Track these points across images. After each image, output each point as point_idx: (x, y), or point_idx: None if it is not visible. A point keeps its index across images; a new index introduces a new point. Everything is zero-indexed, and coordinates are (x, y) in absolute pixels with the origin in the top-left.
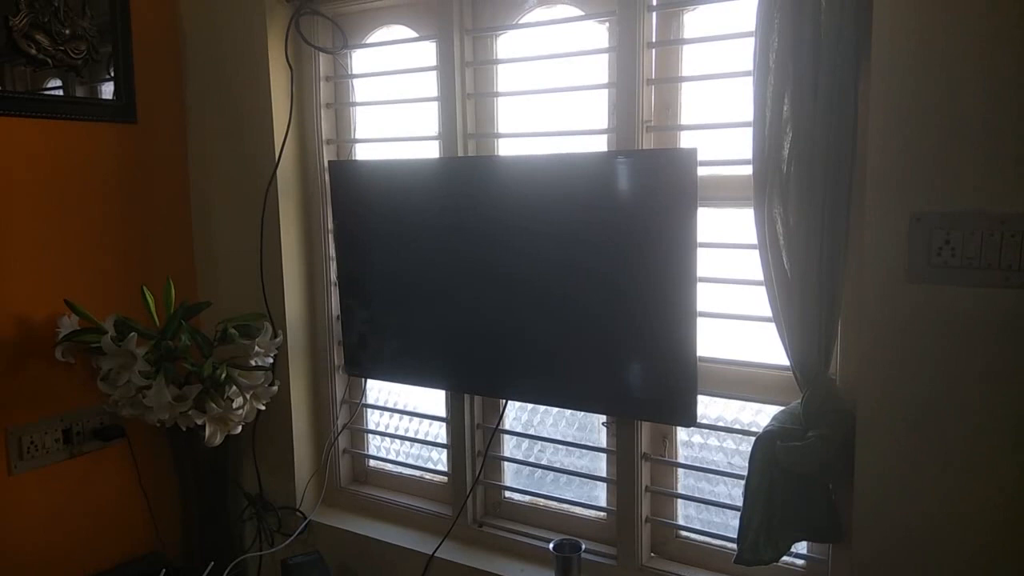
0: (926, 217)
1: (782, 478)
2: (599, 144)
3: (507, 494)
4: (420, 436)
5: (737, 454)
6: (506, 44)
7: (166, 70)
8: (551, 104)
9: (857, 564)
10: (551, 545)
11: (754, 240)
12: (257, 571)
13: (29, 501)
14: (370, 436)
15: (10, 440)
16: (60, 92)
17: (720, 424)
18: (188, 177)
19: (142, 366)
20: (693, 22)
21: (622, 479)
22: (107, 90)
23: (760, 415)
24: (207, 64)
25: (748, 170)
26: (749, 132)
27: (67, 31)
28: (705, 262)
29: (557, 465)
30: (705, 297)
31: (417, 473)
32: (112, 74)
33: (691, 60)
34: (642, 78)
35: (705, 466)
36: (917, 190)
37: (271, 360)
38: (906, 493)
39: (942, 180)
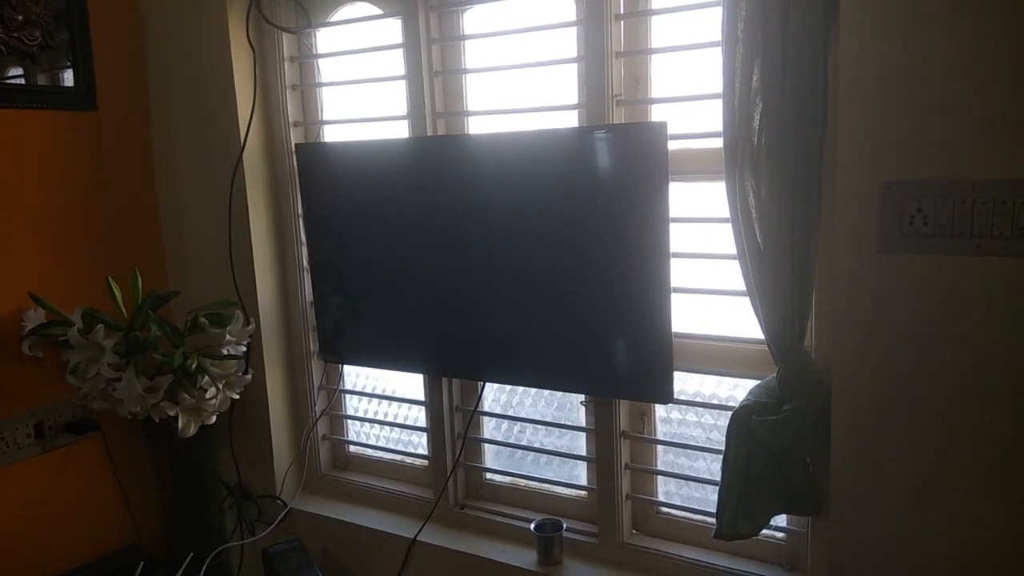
0: (897, 185)
1: (759, 452)
2: (569, 120)
3: (488, 476)
4: (399, 420)
5: (715, 429)
6: (472, 19)
7: (126, 55)
8: (520, 80)
9: (836, 536)
10: (532, 525)
11: (726, 213)
12: (239, 561)
13: (1, 498)
14: (349, 422)
15: None
16: (16, 81)
17: (697, 400)
18: (153, 164)
19: (111, 358)
20: None
21: (601, 457)
22: (66, 77)
23: (737, 390)
24: (168, 47)
25: (719, 142)
26: (719, 104)
27: (20, 17)
28: (678, 237)
29: (537, 445)
30: (679, 272)
31: (397, 458)
32: (70, 61)
33: (660, 32)
34: (610, 51)
35: (683, 442)
36: (887, 158)
37: (244, 348)
38: (883, 464)
39: (913, 148)
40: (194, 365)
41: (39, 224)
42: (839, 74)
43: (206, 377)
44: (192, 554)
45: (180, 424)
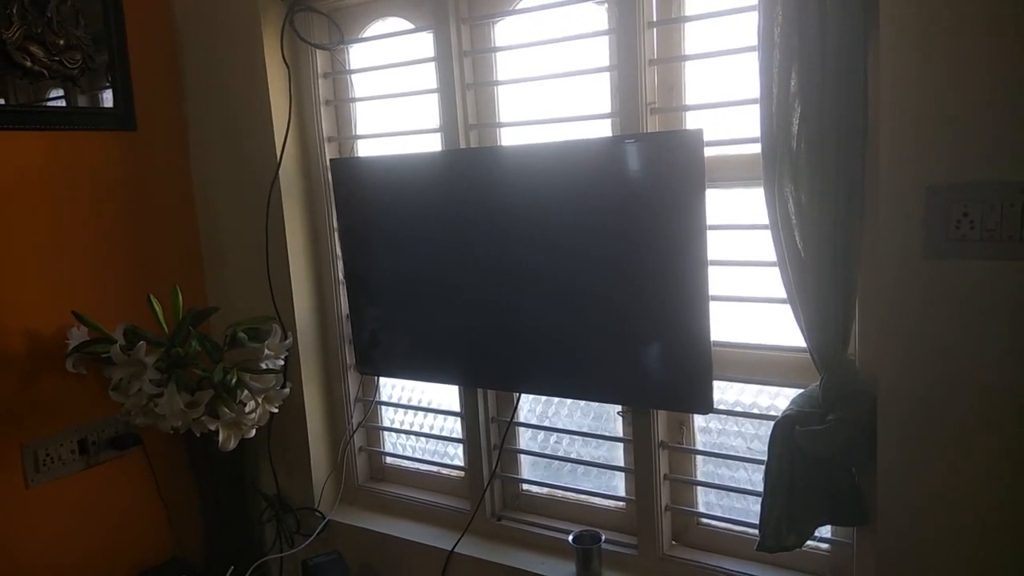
0: (942, 189)
1: (803, 463)
2: (603, 129)
3: (525, 487)
4: (435, 431)
5: (756, 439)
6: (504, 31)
7: (163, 75)
8: (552, 91)
9: (883, 547)
10: (571, 537)
11: (766, 220)
12: (279, 573)
13: (47, 513)
14: (385, 433)
15: (26, 453)
16: (58, 103)
17: (738, 409)
18: (191, 182)
19: (152, 374)
20: None
21: (640, 468)
22: (106, 99)
23: (778, 399)
24: (204, 67)
25: (757, 148)
26: (756, 109)
27: (61, 41)
28: (716, 244)
29: (574, 456)
30: (718, 280)
31: (434, 469)
32: (110, 82)
33: (693, 38)
34: (643, 59)
35: (724, 452)
36: (932, 161)
37: (282, 362)
38: (930, 473)
39: (957, 150)
40: (234, 380)
41: (81, 244)
42: (879, 76)
43: (245, 391)
44: (233, 567)
45: (221, 438)
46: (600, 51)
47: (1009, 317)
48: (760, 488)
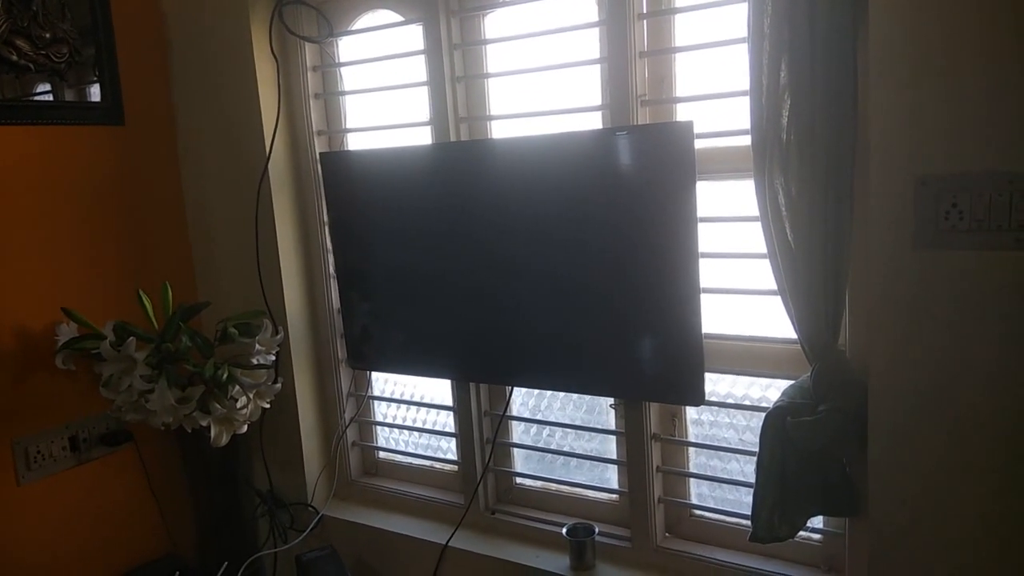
0: (932, 180)
1: (794, 454)
2: (593, 121)
3: (518, 480)
4: (428, 426)
5: (748, 430)
6: (493, 23)
7: (151, 69)
8: (543, 83)
9: (874, 537)
10: (564, 529)
11: (756, 212)
12: (272, 568)
13: (39, 510)
14: (378, 428)
15: (16, 451)
16: (45, 97)
17: (729, 401)
18: (180, 176)
19: (143, 370)
20: None
21: (633, 460)
22: (93, 93)
23: (770, 390)
24: (192, 60)
25: (747, 140)
26: (746, 101)
27: (47, 35)
28: (707, 236)
29: (567, 449)
30: (708, 272)
31: (427, 463)
32: (97, 76)
33: (684, 30)
34: (634, 51)
35: (716, 444)
36: (921, 152)
37: (273, 357)
38: (921, 463)
39: (947, 141)
40: (225, 375)
41: (69, 239)
42: (869, 68)
43: (237, 387)
44: (226, 563)
45: (212, 434)
46: (590, 43)
47: (998, 307)
48: (752, 479)
